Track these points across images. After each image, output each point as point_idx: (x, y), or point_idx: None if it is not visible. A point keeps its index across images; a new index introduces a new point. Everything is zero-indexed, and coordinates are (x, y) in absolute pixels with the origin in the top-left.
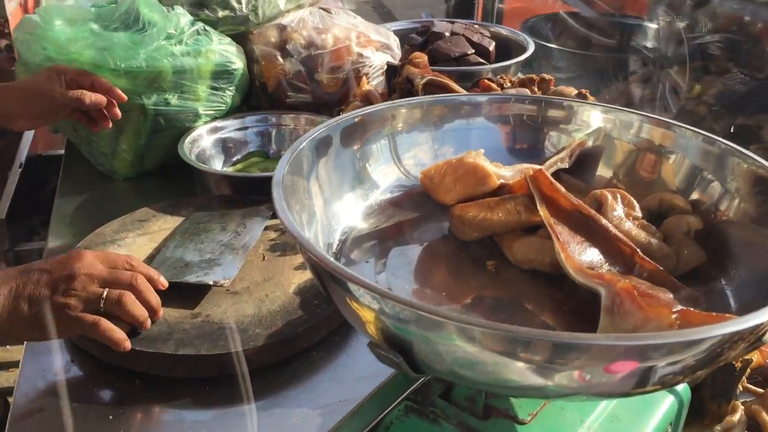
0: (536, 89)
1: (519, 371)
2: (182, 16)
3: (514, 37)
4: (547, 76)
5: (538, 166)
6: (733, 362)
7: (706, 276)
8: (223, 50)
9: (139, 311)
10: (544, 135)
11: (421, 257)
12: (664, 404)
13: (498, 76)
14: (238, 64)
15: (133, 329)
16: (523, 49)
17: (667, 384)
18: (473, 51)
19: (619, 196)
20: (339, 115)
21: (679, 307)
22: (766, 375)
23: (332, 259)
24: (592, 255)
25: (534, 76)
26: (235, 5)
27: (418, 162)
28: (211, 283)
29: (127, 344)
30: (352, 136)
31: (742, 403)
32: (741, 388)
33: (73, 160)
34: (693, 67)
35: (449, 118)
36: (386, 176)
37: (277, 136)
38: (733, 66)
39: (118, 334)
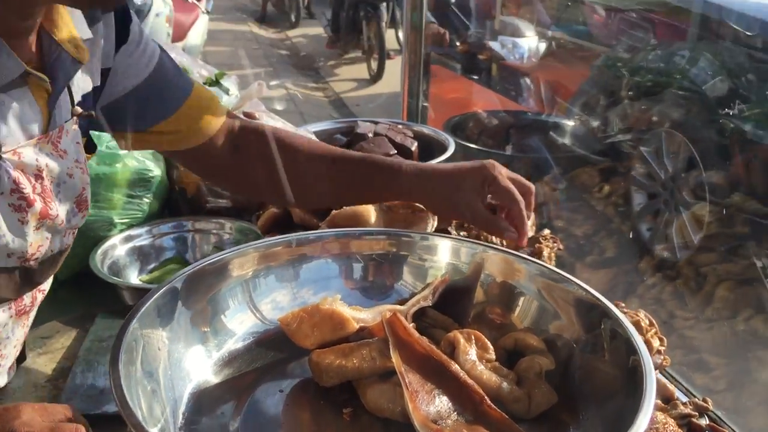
0: None
1: None
2: None
3: (436, 137)
4: None
5: (399, 307)
6: None
7: (557, 419)
8: (141, 157)
9: None
10: (400, 270)
11: (277, 407)
12: None
13: None
14: (156, 171)
15: None
16: (445, 149)
17: None
18: (395, 152)
19: (473, 337)
20: (257, 219)
21: None
22: None
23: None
24: (441, 404)
25: None
26: None
27: (276, 306)
28: None
29: None
30: (199, 288)
31: None
32: None
33: None
34: (603, 167)
35: (305, 257)
36: (242, 324)
37: (195, 241)
38: (640, 167)
39: None
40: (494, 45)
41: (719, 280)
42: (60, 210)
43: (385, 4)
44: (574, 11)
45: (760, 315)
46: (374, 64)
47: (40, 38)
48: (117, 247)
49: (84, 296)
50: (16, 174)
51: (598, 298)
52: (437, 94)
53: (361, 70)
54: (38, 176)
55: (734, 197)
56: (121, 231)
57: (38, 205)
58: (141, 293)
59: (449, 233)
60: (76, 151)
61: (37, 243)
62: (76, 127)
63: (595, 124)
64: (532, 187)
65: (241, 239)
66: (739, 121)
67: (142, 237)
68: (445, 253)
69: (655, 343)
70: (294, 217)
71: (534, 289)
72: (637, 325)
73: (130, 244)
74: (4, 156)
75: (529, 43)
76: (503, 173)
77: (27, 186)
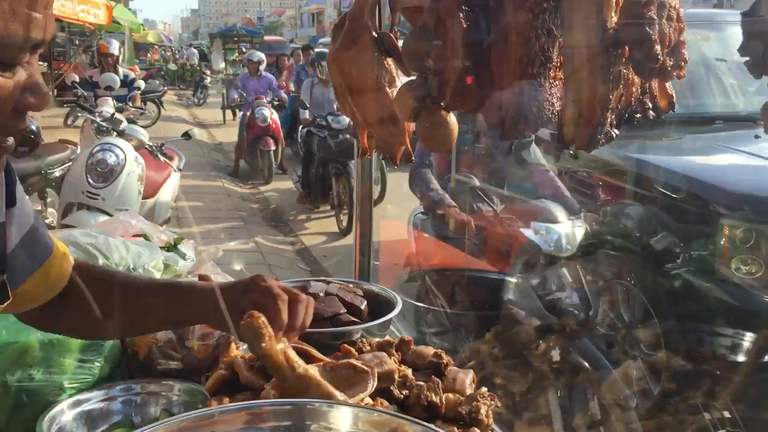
0: (394, 351)
1: None
2: None
3: (385, 295)
4: (406, 338)
5: None
6: None
7: None
8: None
9: None
10: None
11: None
12: None
13: (359, 341)
14: None
15: None
16: (393, 307)
17: None
18: (345, 311)
19: None
20: (207, 381)
21: None
22: None
23: None
24: None
25: (391, 339)
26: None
27: None
28: None
29: None
30: None
31: None
32: None
33: None
34: (540, 326)
35: None
36: None
37: (143, 404)
38: (573, 324)
39: None
40: (449, 201)
41: None
42: None
43: (354, 161)
44: (524, 171)
45: None
46: (344, 219)
47: None
48: (65, 413)
49: None
50: None
51: None
52: (393, 249)
53: (331, 224)
54: None
55: (659, 353)
56: (71, 396)
57: None
58: None
59: (391, 392)
60: None
61: None
62: None
63: (535, 282)
64: (302, 296)
65: (189, 401)
66: (678, 274)
67: (91, 401)
68: (346, 422)
69: None
70: (241, 379)
71: None
72: None
73: (78, 409)
74: None
75: (481, 200)
76: (272, 283)
77: None
